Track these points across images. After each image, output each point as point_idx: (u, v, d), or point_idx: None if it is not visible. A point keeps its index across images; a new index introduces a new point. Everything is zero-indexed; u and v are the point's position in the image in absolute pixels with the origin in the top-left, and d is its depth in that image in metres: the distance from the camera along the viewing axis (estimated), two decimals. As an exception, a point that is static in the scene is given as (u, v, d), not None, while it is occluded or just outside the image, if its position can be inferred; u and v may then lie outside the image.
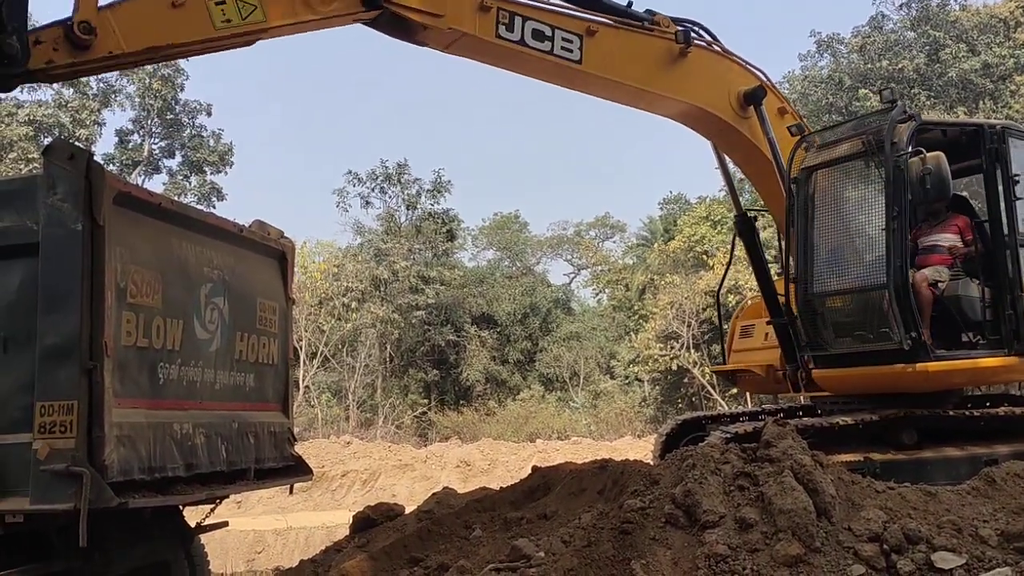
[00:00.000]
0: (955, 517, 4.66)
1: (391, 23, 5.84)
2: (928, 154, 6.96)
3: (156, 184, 34.99)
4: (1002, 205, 7.51)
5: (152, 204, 6.63)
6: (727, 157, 8.56)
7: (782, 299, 8.14)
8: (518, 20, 6.19)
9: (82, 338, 5.77)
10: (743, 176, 8.88)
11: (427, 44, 6.41)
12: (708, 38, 7.55)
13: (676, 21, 7.30)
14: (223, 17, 5.35)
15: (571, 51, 6.45)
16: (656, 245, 37.55)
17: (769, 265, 8.93)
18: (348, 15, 5.71)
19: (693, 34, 7.38)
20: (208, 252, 7.25)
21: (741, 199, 9.12)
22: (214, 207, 32.90)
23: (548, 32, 6.33)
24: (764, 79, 7.73)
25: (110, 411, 5.79)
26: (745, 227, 8.56)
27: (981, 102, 28.82)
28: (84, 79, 32.04)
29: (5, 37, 4.76)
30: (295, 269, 7.70)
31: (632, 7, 7.10)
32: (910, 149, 7.11)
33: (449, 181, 38.79)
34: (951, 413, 7.51)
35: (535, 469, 6.86)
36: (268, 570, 10.22)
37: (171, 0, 5.21)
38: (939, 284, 7.39)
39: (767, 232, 10.54)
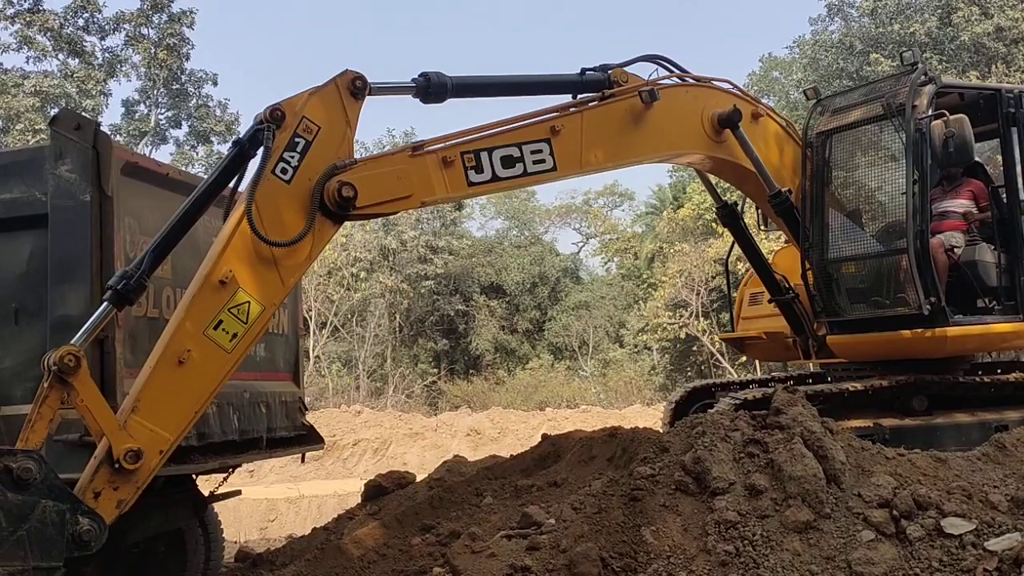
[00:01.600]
0: (965, 483, 4.67)
1: (358, 217, 5.61)
2: (952, 116, 6.88)
3: (163, 154, 35.00)
4: (1018, 170, 7.45)
5: (160, 174, 6.63)
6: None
7: (779, 276, 8.09)
8: (484, 156, 5.76)
9: (92, 309, 5.80)
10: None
11: (397, 213, 6.28)
12: (672, 70, 7.17)
13: (632, 62, 6.94)
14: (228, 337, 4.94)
15: (543, 161, 6.02)
16: (665, 213, 37.37)
17: (776, 234, 8.82)
18: (322, 244, 5.32)
19: (654, 73, 7.09)
20: (216, 222, 7.22)
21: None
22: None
23: (516, 153, 5.92)
24: (733, 91, 7.51)
25: (122, 381, 5.83)
26: (729, 218, 8.47)
27: (993, 66, 28.46)
28: (89, 48, 31.98)
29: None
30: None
31: (585, 73, 6.69)
32: (931, 112, 7.03)
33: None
34: (962, 379, 7.50)
35: (545, 437, 6.89)
36: (281, 538, 10.32)
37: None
38: (955, 249, 7.35)
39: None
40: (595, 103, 6.47)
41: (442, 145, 5.71)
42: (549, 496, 5.46)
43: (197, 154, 34.71)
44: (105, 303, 4.96)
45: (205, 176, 5.96)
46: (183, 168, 22.42)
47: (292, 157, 5.10)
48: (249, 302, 4.93)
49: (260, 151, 5.10)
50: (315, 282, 28.73)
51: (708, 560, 4.22)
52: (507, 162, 5.93)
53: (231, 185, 5.37)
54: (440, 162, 5.66)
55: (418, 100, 5.93)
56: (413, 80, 5.88)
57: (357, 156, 5.43)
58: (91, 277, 5.86)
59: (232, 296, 4.86)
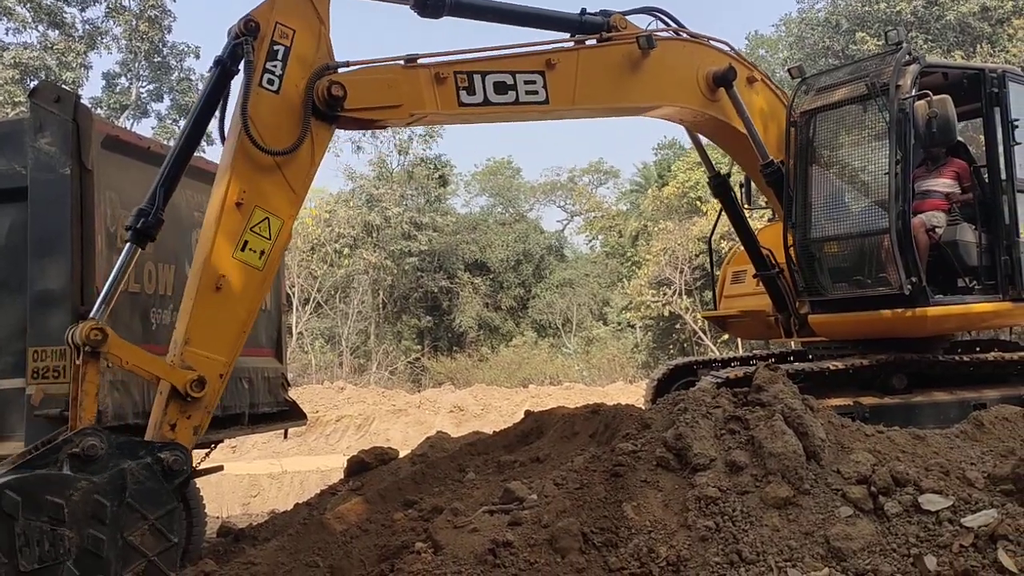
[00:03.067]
0: (943, 460, 4.72)
1: (349, 123, 5.59)
2: (935, 97, 6.89)
3: (144, 128, 34.68)
4: (1000, 150, 7.47)
5: (141, 148, 6.58)
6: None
7: (766, 252, 8.13)
8: (477, 79, 5.79)
9: (73, 283, 5.77)
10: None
11: (387, 127, 6.24)
12: (670, 24, 7.22)
13: (632, 12, 6.97)
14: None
15: (536, 92, 6.05)
16: (650, 191, 37.40)
17: (759, 213, 8.84)
18: (322, 148, 5.34)
19: (653, 23, 7.12)
20: (198, 197, 7.21)
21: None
22: (203, 152, 32.51)
23: (510, 81, 5.94)
24: (730, 52, 7.54)
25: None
26: (720, 188, 8.51)
27: (979, 46, 28.51)
28: (69, 20, 31.52)
29: None
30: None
31: (585, 14, 6.73)
32: (915, 92, 7.04)
33: (441, 125, 38.41)
34: (941, 358, 7.57)
35: (528, 414, 6.91)
36: (263, 513, 10.35)
37: None
38: (936, 229, 7.39)
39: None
40: (593, 43, 6.49)
41: (436, 60, 5.74)
42: (532, 472, 5.49)
43: (179, 128, 34.32)
44: (128, 244, 5.04)
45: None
46: (164, 142, 22.21)
47: (275, 67, 5.11)
48: (268, 218, 5.06)
49: (242, 66, 5.10)
50: (298, 258, 28.61)
51: (688, 535, 4.25)
52: (500, 88, 5.96)
53: (217, 113, 5.32)
54: (433, 77, 5.68)
55: (415, 12, 5.98)
56: None
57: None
58: (71, 251, 5.82)
59: (251, 215, 5.00)
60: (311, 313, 31.67)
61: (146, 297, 6.46)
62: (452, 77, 5.73)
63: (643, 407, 7.44)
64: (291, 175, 5.14)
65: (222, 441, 7.85)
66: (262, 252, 5.04)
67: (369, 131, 35.29)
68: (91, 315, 4.73)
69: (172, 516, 4.46)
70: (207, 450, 7.97)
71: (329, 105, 5.20)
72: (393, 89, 5.55)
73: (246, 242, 4.99)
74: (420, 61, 5.69)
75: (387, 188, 36.28)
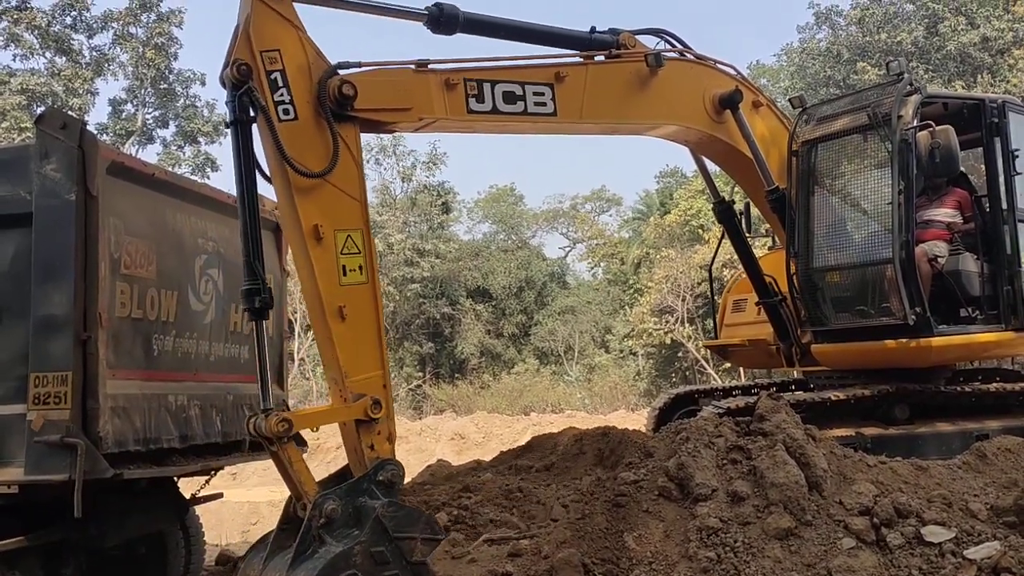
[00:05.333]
0: (945, 491, 4.70)
1: (359, 124, 5.69)
2: (937, 128, 6.92)
3: (150, 154, 34.77)
4: (1001, 180, 7.49)
5: (146, 174, 6.59)
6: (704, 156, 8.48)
7: (769, 279, 8.13)
8: (487, 87, 5.88)
9: (76, 309, 5.76)
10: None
11: (396, 131, 6.36)
12: (677, 45, 7.28)
13: (640, 33, 7.07)
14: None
15: (544, 104, 6.13)
16: (652, 219, 37.48)
17: (761, 241, 8.85)
18: (357, 145, 5.45)
19: (660, 44, 7.21)
20: (203, 223, 7.22)
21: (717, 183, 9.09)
22: (208, 178, 32.73)
23: (519, 91, 6.02)
24: (736, 76, 7.61)
25: (104, 382, 5.80)
26: (725, 214, 8.53)
27: (979, 76, 28.68)
28: (76, 46, 31.79)
29: None
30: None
31: (595, 32, 6.77)
32: (916, 122, 7.07)
33: (445, 153, 38.76)
34: (943, 388, 7.54)
35: (535, 437, 6.87)
36: (263, 541, 10.27)
37: None
38: (938, 259, 7.39)
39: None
40: (602, 59, 6.55)
41: (447, 67, 5.81)
42: (542, 478, 5.72)
43: (184, 154, 34.54)
44: (254, 324, 5.30)
45: (192, 176, 5.94)
46: (169, 168, 22.32)
47: (282, 95, 5.19)
48: (349, 235, 5.25)
49: (254, 112, 5.15)
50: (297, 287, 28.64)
51: (690, 566, 4.23)
52: (508, 97, 6.02)
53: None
54: (443, 83, 5.77)
55: (428, 29, 6.01)
56: (426, 8, 5.94)
57: None
58: (75, 277, 5.82)
59: (334, 242, 5.19)
60: (313, 339, 31.62)
61: (148, 323, 6.45)
62: (462, 84, 5.81)
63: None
64: (345, 185, 5.29)
65: (222, 468, 7.80)
66: (360, 267, 5.27)
67: (377, 139, 35.49)
68: (263, 407, 5.07)
69: (429, 522, 4.94)
70: (207, 477, 7.93)
71: (340, 104, 5.27)
72: (403, 93, 5.63)
73: (344, 267, 5.21)
74: (431, 66, 5.76)
75: (390, 215, 36.39)
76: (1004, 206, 7.47)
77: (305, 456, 10.26)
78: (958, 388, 7.59)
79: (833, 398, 7.15)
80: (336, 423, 5.30)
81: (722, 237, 9.04)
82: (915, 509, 4.35)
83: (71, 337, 5.73)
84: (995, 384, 7.79)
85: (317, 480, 5.22)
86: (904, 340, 7.07)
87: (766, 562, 4.16)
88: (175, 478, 7.47)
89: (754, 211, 8.88)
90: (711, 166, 8.65)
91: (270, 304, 5.23)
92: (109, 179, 6.08)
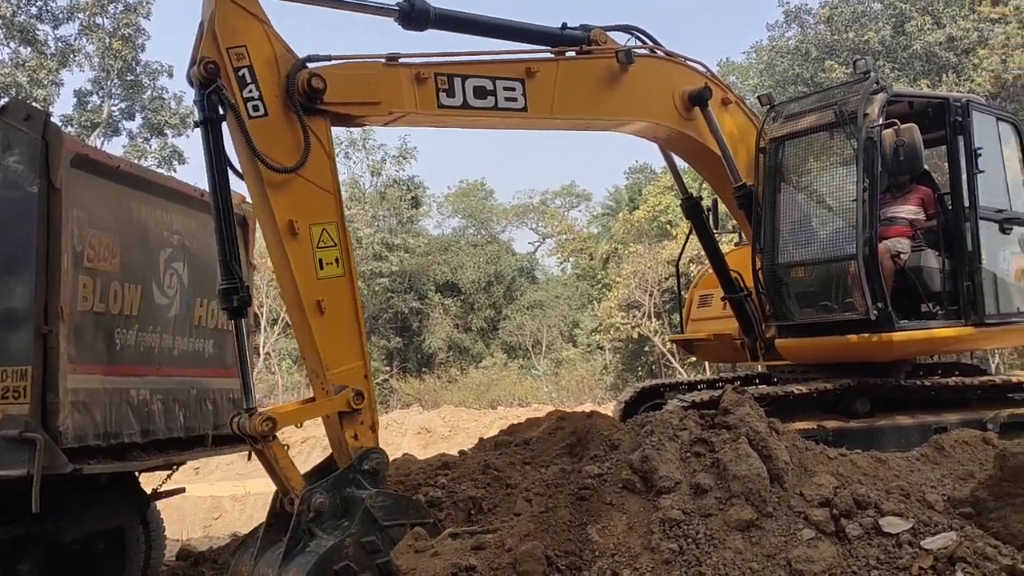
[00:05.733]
0: (904, 483, 4.77)
1: (328, 118, 5.69)
2: (902, 126, 7.01)
3: (115, 147, 34.28)
4: (964, 178, 7.59)
5: (111, 167, 6.52)
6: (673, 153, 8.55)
7: (735, 274, 8.21)
8: (457, 82, 5.90)
9: (37, 303, 5.70)
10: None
11: (366, 124, 6.35)
12: (647, 42, 7.33)
13: (611, 29, 7.09)
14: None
15: (515, 99, 6.16)
16: (621, 215, 37.64)
17: (727, 237, 8.92)
18: (328, 138, 5.52)
19: (631, 40, 7.24)
20: (168, 216, 7.15)
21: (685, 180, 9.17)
22: (175, 171, 32.34)
23: (490, 86, 6.04)
24: (706, 73, 7.66)
25: (65, 377, 5.73)
26: (692, 210, 8.60)
27: (944, 75, 29.07)
28: (42, 37, 31.26)
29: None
30: (256, 235, 7.62)
31: (566, 28, 6.81)
32: (882, 121, 7.16)
33: (415, 147, 38.61)
34: (903, 382, 7.66)
35: (497, 442, 6.89)
36: (225, 536, 10.21)
37: None
38: (901, 255, 7.50)
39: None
40: (573, 55, 6.57)
41: (417, 61, 5.81)
42: (519, 453, 6.06)
43: (150, 147, 34.10)
44: (234, 322, 5.37)
45: (158, 169, 5.92)
46: (135, 161, 22.04)
47: (251, 92, 5.21)
48: (324, 228, 5.30)
49: (223, 110, 5.16)
50: (267, 277, 28.37)
51: (652, 558, 4.26)
52: (479, 92, 6.04)
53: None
54: (413, 77, 5.78)
55: (399, 25, 6.03)
56: (397, 4, 5.94)
57: None
58: (36, 270, 5.75)
59: (309, 236, 5.24)
60: (279, 333, 31.42)
61: (111, 317, 6.38)
62: (432, 78, 5.82)
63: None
64: (318, 178, 5.32)
65: (184, 463, 7.74)
66: (336, 260, 5.33)
67: (347, 133, 35.31)
68: (247, 406, 5.12)
69: (418, 508, 5.17)
70: (169, 472, 7.86)
71: (309, 98, 5.29)
72: (373, 86, 5.64)
73: (320, 260, 5.27)
74: (401, 60, 5.76)
75: (359, 209, 36.21)
76: (966, 204, 7.59)
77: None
78: (918, 382, 7.72)
79: (796, 392, 7.24)
80: (315, 415, 5.39)
81: (689, 233, 9.11)
82: (874, 500, 4.41)
83: (31, 331, 5.66)
84: (954, 378, 7.92)
85: (302, 473, 5.26)
86: (866, 335, 7.17)
87: (727, 553, 4.20)
88: (136, 473, 7.40)
89: (721, 207, 8.96)
90: (680, 163, 8.71)
91: (248, 303, 5.27)
92: (73, 171, 6.01)
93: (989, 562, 4.01)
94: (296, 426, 5.52)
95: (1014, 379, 8.19)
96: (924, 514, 4.40)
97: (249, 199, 7.86)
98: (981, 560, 4.01)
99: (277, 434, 5.15)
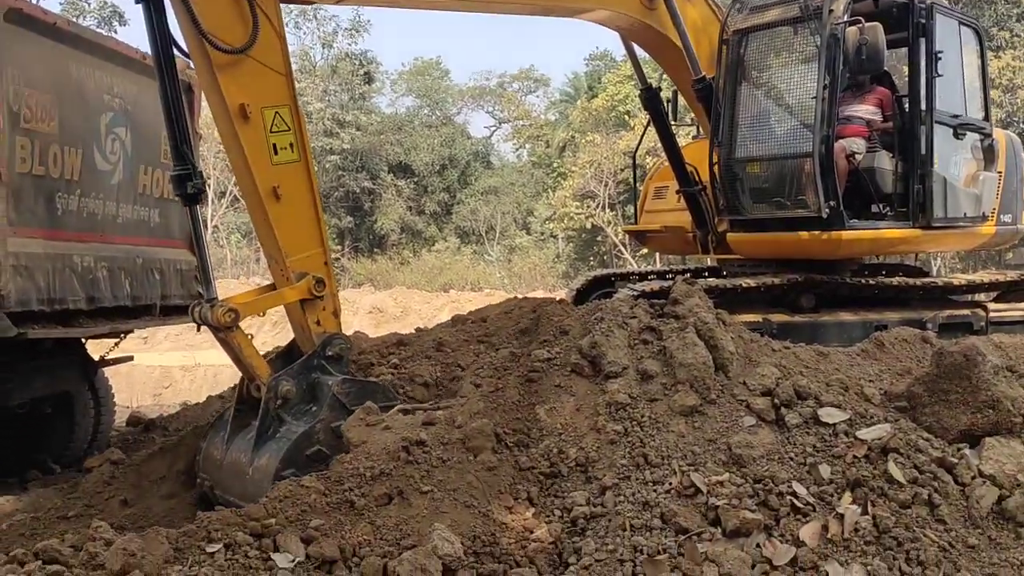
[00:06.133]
0: (843, 376, 4.90)
1: None
2: (867, 24, 6.93)
3: (52, 3, 32.58)
4: (922, 81, 7.58)
5: (47, 23, 6.22)
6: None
7: (690, 167, 8.20)
8: None
9: (-30, 165, 5.50)
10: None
11: (318, 2, 6.03)
12: None
13: None
14: None
15: None
16: (579, 102, 37.17)
17: (685, 130, 8.86)
18: (277, 16, 5.23)
19: None
20: (108, 79, 6.89)
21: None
22: (115, 32, 30.94)
23: None
24: None
25: (5, 240, 5.62)
26: (651, 101, 8.52)
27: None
28: None
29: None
30: (201, 102, 7.37)
31: None
32: (846, 18, 7.06)
33: (368, 21, 37.36)
34: (849, 280, 7.81)
35: (455, 318, 6.92)
36: (175, 404, 10.24)
37: None
38: (856, 155, 7.53)
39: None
40: None
41: None
42: (478, 330, 6.15)
43: (89, 5, 32.47)
44: (187, 209, 5.28)
45: (97, 29, 5.61)
46: (73, 19, 20.97)
47: None
48: (277, 112, 5.17)
49: None
50: (215, 149, 27.69)
51: (598, 438, 4.36)
52: None
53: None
54: None
55: None
56: None
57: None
58: (-30, 129, 5.53)
59: (262, 120, 5.10)
60: (228, 207, 30.91)
61: (51, 181, 6.19)
62: None
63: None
64: (268, 59, 5.15)
65: (131, 331, 7.69)
66: (291, 144, 5.22)
67: (295, 13, 34.06)
68: (208, 296, 5.05)
69: (384, 391, 5.24)
70: (116, 340, 7.81)
71: None
72: None
73: (274, 145, 5.15)
74: None
75: (309, 82, 35.20)
76: (923, 107, 7.60)
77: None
78: (863, 280, 7.87)
79: (744, 285, 7.34)
80: (279, 302, 5.36)
81: (647, 124, 9.04)
82: (814, 392, 4.53)
83: (-28, 194, 5.49)
84: (898, 278, 8.10)
85: (267, 359, 5.29)
86: (816, 232, 7.26)
87: (670, 436, 4.31)
88: (83, 340, 7.34)
89: (681, 100, 8.88)
90: (640, 52, 8.57)
91: (203, 188, 5.13)
92: (7, 27, 5.73)
93: (920, 453, 4.17)
94: (259, 315, 5.47)
95: (955, 282, 8.41)
96: (861, 406, 4.54)
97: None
98: (913, 451, 4.17)
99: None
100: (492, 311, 6.58)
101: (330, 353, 5.20)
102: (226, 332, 4.96)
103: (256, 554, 3.64)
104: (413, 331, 6.87)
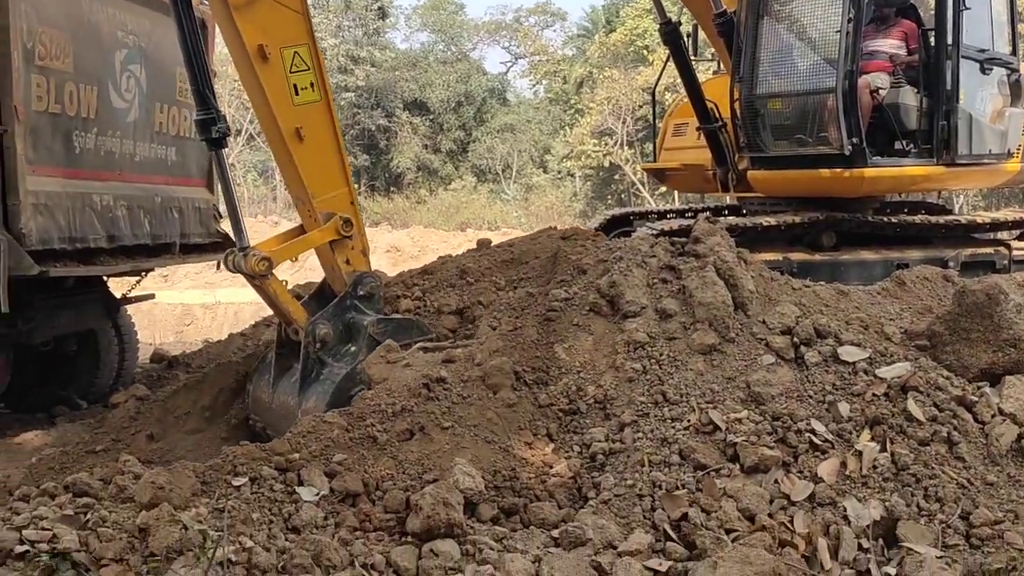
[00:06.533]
0: (864, 315, 4.89)
1: None
2: None
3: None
4: (949, 13, 7.40)
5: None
6: None
7: (710, 104, 8.09)
8: None
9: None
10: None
11: None
12: None
13: None
14: None
15: None
16: (597, 37, 36.54)
17: (705, 65, 8.74)
18: None
19: None
20: (122, 15, 6.83)
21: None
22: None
23: None
24: None
25: (24, 178, 5.64)
26: (670, 36, 8.38)
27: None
28: None
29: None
30: (216, 38, 7.30)
31: None
32: None
33: (383, -47, 36.64)
34: (870, 218, 7.74)
35: (480, 243, 6.87)
36: (197, 342, 10.36)
37: None
38: (880, 91, 7.40)
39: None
40: None
41: None
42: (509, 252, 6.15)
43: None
44: (213, 154, 5.29)
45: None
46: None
47: None
48: (296, 51, 5.17)
49: None
50: (230, 87, 27.50)
51: (616, 376, 4.38)
52: None
53: None
54: None
55: None
56: None
57: None
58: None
59: (281, 60, 5.10)
60: (244, 145, 30.83)
61: (68, 119, 6.18)
62: None
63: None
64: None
65: (152, 269, 7.75)
66: (311, 84, 5.22)
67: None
68: (240, 245, 5.11)
69: (419, 326, 5.37)
70: (137, 279, 7.88)
71: None
72: None
73: (295, 86, 5.14)
74: None
75: (323, 18, 34.76)
76: (949, 41, 7.43)
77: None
78: (884, 218, 7.80)
79: (764, 224, 7.29)
80: (308, 246, 5.42)
81: (667, 59, 8.90)
82: (834, 330, 4.52)
83: (-15, 129, 5.49)
84: (920, 216, 8.02)
85: (300, 300, 5.38)
86: (838, 169, 7.18)
87: (688, 374, 4.32)
88: (104, 278, 7.41)
89: (701, 34, 8.72)
90: None
91: (228, 132, 5.13)
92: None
93: (940, 391, 4.17)
94: (291, 260, 5.50)
95: (978, 219, 8.32)
96: (881, 345, 4.53)
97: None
98: (932, 390, 4.17)
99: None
100: (520, 239, 6.54)
101: (362, 292, 5.28)
102: (261, 280, 5.05)
103: (281, 487, 3.71)
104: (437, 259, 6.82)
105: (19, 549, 2.98)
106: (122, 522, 3.20)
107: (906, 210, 8.48)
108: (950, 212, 9.15)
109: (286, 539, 3.41)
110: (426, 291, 6.05)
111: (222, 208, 8.57)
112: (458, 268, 6.15)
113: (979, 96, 7.74)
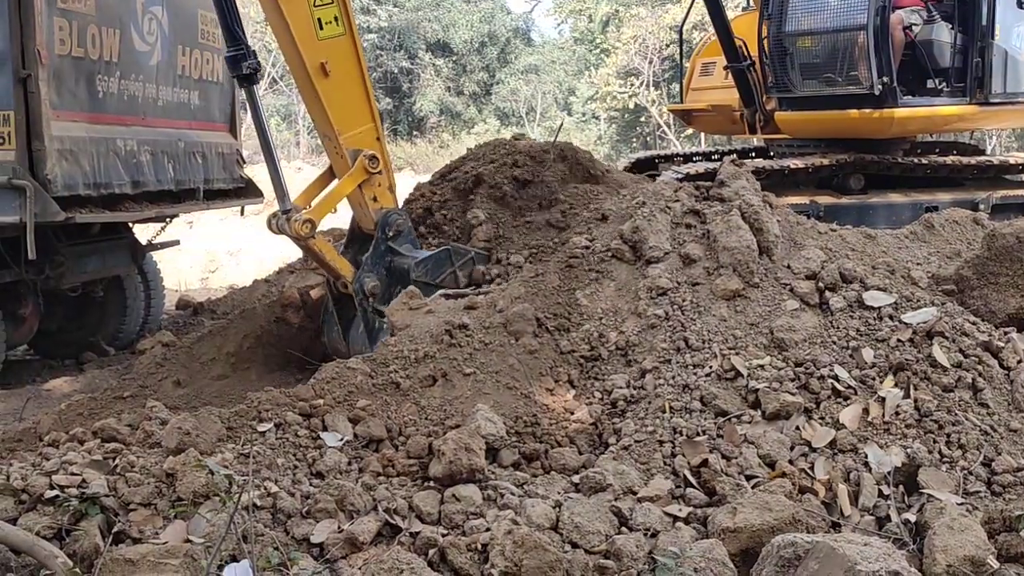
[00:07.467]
0: (891, 259, 4.82)
1: None
2: None
3: None
4: None
5: None
6: None
7: (739, 41, 7.92)
8: None
9: (14, 45, 5.53)
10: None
11: None
12: None
13: None
14: None
15: None
16: (623, -26, 35.78)
17: (735, 2, 8.52)
18: None
19: None
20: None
21: None
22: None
23: None
24: None
25: (48, 123, 5.65)
26: None
27: None
28: None
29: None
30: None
31: None
32: None
33: None
34: (900, 160, 7.60)
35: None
36: (222, 288, 10.44)
37: None
38: (913, 27, 7.21)
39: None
40: None
41: None
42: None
43: None
44: (245, 90, 5.39)
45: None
46: None
47: None
48: None
49: None
50: (251, 29, 27.30)
51: (639, 322, 4.37)
52: None
53: None
54: None
55: None
56: None
57: None
58: (9, 11, 5.56)
59: None
60: (267, 89, 30.67)
61: (91, 63, 6.16)
62: None
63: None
64: None
65: (177, 215, 7.78)
66: (336, 18, 5.21)
67: None
68: (283, 207, 5.26)
69: (458, 252, 5.42)
70: (162, 225, 7.92)
71: None
72: None
73: (319, 20, 5.14)
74: None
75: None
76: (986, -27, 7.21)
77: (260, 208, 10.25)
78: (915, 160, 7.66)
79: (791, 166, 7.19)
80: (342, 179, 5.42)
81: (695, -4, 8.72)
82: (859, 275, 4.46)
83: (10, 74, 5.53)
84: (951, 157, 7.87)
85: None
86: (868, 110, 7.05)
87: (711, 320, 4.30)
88: (130, 224, 7.45)
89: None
90: None
91: (259, 67, 5.12)
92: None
93: (966, 337, 4.12)
94: (332, 212, 5.55)
95: (1011, 160, 8.16)
96: (907, 290, 4.47)
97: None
98: (959, 335, 4.12)
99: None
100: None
101: (391, 233, 5.36)
102: (306, 241, 5.16)
103: (306, 433, 3.76)
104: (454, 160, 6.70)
105: (49, 494, 3.04)
106: (150, 467, 3.26)
107: (937, 150, 8.33)
108: (982, 152, 8.97)
109: (310, 484, 3.46)
110: (447, 200, 6.03)
111: (245, 153, 8.56)
112: (472, 175, 6.06)
113: (1015, 32, 7.54)
